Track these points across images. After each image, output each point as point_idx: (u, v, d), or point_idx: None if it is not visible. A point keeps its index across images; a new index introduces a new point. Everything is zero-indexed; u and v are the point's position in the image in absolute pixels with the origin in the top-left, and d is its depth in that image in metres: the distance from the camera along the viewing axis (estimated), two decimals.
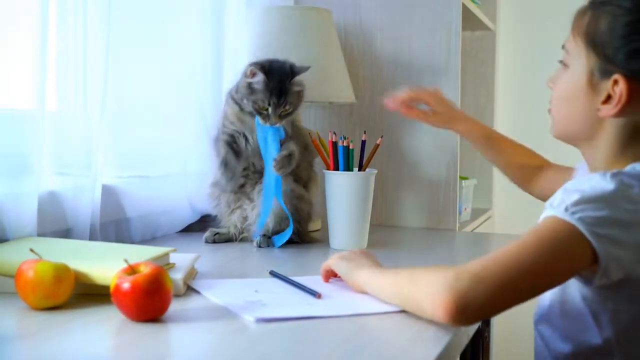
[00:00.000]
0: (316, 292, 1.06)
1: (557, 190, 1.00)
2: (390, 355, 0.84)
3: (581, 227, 0.92)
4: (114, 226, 1.48)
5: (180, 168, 1.63)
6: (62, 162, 1.36)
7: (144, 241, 1.54)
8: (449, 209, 1.91)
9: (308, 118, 2.03)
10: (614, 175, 0.97)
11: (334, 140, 1.53)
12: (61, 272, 0.98)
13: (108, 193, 1.43)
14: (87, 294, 1.03)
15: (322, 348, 0.86)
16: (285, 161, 1.48)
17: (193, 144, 1.67)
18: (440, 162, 1.92)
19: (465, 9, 1.96)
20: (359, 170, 1.55)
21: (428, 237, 1.79)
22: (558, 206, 0.95)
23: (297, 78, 1.47)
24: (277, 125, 1.47)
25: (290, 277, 1.15)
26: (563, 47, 1.11)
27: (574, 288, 1.03)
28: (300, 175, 1.57)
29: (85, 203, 1.34)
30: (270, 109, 1.45)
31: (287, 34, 1.74)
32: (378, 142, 1.56)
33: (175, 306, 0.98)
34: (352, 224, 1.52)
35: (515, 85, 2.63)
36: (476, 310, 0.89)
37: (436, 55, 1.91)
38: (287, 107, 1.47)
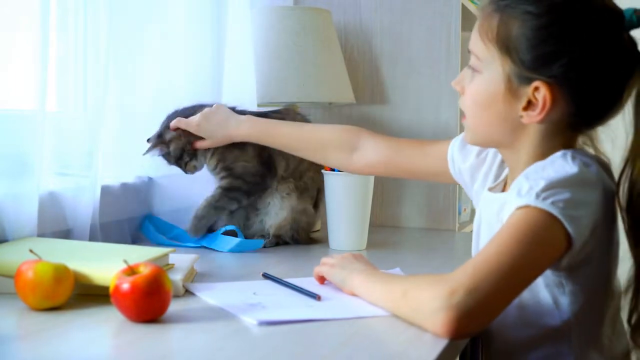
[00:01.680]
0: (316, 295, 1.06)
1: (518, 178, 1.00)
2: (390, 356, 0.84)
3: (555, 212, 0.92)
4: (113, 227, 1.48)
5: (178, 168, 1.63)
6: (62, 163, 1.36)
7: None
8: (449, 209, 1.91)
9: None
10: (574, 157, 0.99)
11: None
12: (61, 272, 0.98)
13: (108, 193, 1.43)
14: (86, 294, 1.03)
15: (322, 349, 0.86)
16: (194, 226, 1.50)
17: None
18: None
19: (464, 10, 1.96)
20: None
21: (427, 237, 1.79)
22: (527, 194, 0.95)
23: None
24: (189, 173, 1.53)
25: (287, 279, 1.15)
26: (469, 51, 1.07)
27: None
28: (307, 187, 1.56)
29: (85, 203, 1.34)
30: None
31: (286, 35, 1.75)
32: None
33: (174, 307, 0.98)
34: (351, 224, 1.52)
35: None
36: (477, 322, 0.90)
37: (436, 56, 1.91)
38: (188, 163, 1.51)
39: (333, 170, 1.53)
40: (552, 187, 0.94)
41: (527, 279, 0.95)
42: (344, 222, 1.52)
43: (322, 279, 1.15)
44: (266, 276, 1.19)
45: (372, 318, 0.98)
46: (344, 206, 1.52)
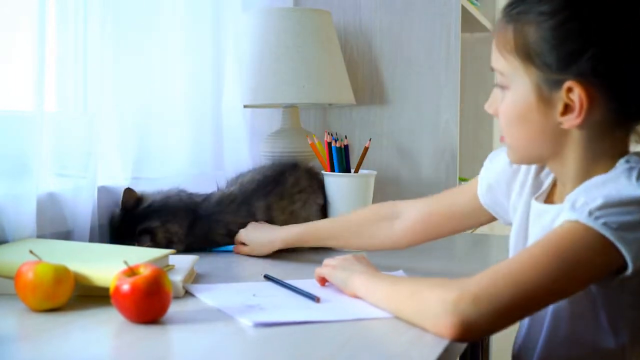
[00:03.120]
0: (315, 296, 1.06)
1: (577, 189, 0.94)
2: (390, 358, 0.84)
3: (606, 233, 0.87)
4: None
5: (178, 170, 1.63)
6: (62, 163, 1.36)
7: None
8: None
9: (308, 120, 2.03)
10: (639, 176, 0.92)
11: (328, 141, 1.53)
12: (61, 273, 0.98)
13: (107, 194, 1.43)
14: (86, 295, 1.04)
15: (321, 351, 0.86)
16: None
17: (192, 145, 1.67)
18: (440, 163, 1.92)
19: (464, 11, 1.96)
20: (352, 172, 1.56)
21: None
22: (580, 209, 0.89)
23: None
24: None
25: (287, 281, 1.15)
26: (492, 69, 1.02)
27: (590, 292, 0.97)
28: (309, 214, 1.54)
29: (85, 204, 1.33)
30: None
31: (286, 36, 1.74)
32: (367, 145, 1.57)
33: (174, 308, 0.98)
34: None
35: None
36: (480, 331, 0.87)
37: (436, 57, 1.91)
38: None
39: (334, 170, 1.53)
40: (609, 206, 0.88)
41: (550, 299, 0.91)
42: None
43: (323, 280, 1.15)
44: (267, 277, 1.19)
45: (372, 320, 0.98)
46: (344, 207, 1.51)
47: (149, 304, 0.93)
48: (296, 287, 1.11)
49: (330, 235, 1.39)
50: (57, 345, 0.85)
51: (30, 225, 1.21)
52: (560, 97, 0.95)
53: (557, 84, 0.94)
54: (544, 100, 0.96)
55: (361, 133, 1.97)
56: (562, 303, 1.01)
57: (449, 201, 1.27)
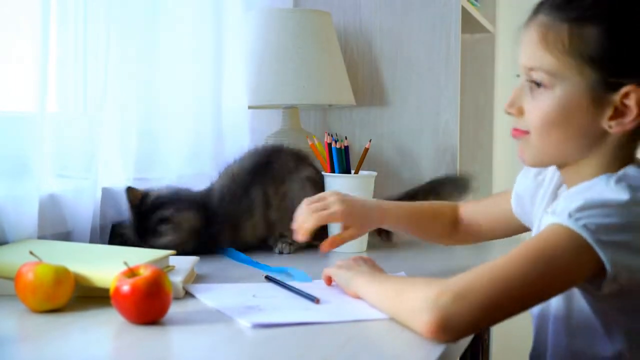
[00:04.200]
0: (315, 297, 1.06)
1: (560, 198, 0.95)
2: (389, 359, 0.84)
3: (585, 234, 0.87)
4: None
5: (179, 170, 1.63)
6: (63, 164, 1.36)
7: None
8: None
9: (308, 120, 2.03)
10: (619, 181, 0.92)
11: (329, 142, 1.53)
12: (61, 274, 0.98)
13: (108, 195, 1.43)
14: (87, 296, 1.04)
15: (320, 352, 0.86)
16: None
17: (193, 146, 1.67)
18: (440, 163, 1.92)
19: (464, 12, 1.96)
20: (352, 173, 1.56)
21: None
22: (561, 212, 0.90)
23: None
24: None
25: (288, 282, 1.15)
26: (531, 68, 0.98)
27: (582, 302, 0.98)
28: None
29: (86, 205, 1.34)
30: None
31: (286, 37, 1.75)
32: (367, 146, 1.57)
33: (174, 309, 0.98)
34: None
35: (514, 87, 2.63)
36: (459, 329, 0.87)
37: (436, 58, 1.91)
38: None
39: (335, 171, 1.53)
40: (589, 208, 0.88)
41: (529, 300, 0.91)
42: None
43: (329, 280, 1.15)
44: (268, 278, 1.19)
45: (371, 321, 0.98)
46: None
47: (149, 305, 0.93)
48: (296, 288, 1.11)
49: (409, 221, 1.33)
50: (57, 346, 0.85)
51: (31, 226, 1.21)
52: (613, 100, 0.94)
53: (613, 87, 0.93)
54: (595, 102, 0.94)
55: (361, 134, 1.98)
56: (559, 318, 1.02)
57: (501, 206, 1.26)
